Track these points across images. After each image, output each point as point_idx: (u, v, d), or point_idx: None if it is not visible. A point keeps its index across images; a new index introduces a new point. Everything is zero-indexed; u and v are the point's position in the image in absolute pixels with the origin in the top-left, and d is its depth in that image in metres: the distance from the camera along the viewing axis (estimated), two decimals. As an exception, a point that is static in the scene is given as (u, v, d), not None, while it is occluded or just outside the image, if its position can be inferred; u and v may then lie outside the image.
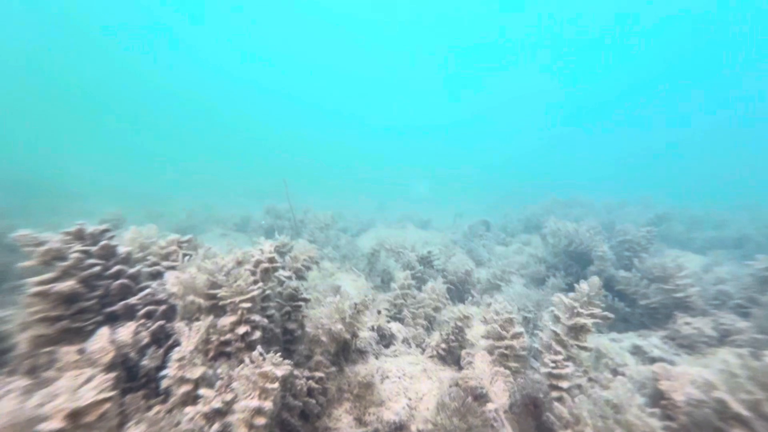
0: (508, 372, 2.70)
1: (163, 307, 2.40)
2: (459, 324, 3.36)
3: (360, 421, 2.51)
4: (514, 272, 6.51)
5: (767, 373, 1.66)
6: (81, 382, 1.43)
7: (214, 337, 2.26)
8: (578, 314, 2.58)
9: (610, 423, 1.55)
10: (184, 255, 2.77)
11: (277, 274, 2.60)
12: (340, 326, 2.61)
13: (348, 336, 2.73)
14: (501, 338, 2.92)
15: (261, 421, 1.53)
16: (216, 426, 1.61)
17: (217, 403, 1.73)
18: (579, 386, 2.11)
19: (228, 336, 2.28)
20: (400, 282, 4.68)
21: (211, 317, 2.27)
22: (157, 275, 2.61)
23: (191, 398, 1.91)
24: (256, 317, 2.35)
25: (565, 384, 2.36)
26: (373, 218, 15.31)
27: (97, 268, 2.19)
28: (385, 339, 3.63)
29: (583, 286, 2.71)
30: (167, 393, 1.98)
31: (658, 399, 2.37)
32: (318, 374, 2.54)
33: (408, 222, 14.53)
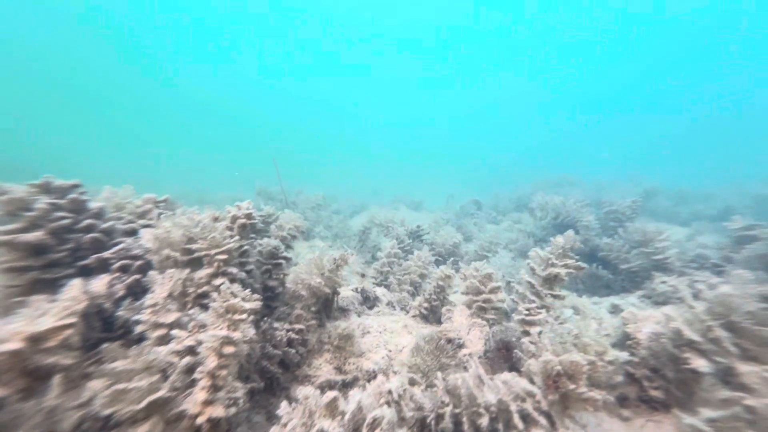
0: (484, 323, 2.77)
1: (138, 263, 2.40)
2: (441, 283, 3.42)
3: (340, 370, 2.58)
4: (502, 244, 6.60)
5: (719, 302, 1.73)
6: (41, 312, 1.44)
7: (191, 290, 2.27)
8: (552, 265, 2.64)
9: (568, 346, 1.62)
10: (160, 214, 2.75)
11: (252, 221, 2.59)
12: (318, 280, 2.64)
13: (328, 291, 2.76)
14: (479, 293, 2.98)
15: (230, 350, 1.56)
16: (186, 359, 1.64)
17: (189, 342, 1.75)
18: (547, 322, 2.18)
19: (205, 288, 2.29)
20: (387, 251, 4.73)
21: (187, 270, 2.27)
22: (132, 233, 2.59)
23: (165, 342, 1.93)
24: (233, 270, 2.36)
25: (536, 329, 2.43)
26: (367, 202, 15.28)
27: (66, 221, 2.16)
28: (369, 301, 3.69)
29: (559, 239, 2.75)
30: (142, 339, 2.01)
31: (625, 341, 2.46)
32: (298, 326, 2.59)
33: (401, 204, 14.53)
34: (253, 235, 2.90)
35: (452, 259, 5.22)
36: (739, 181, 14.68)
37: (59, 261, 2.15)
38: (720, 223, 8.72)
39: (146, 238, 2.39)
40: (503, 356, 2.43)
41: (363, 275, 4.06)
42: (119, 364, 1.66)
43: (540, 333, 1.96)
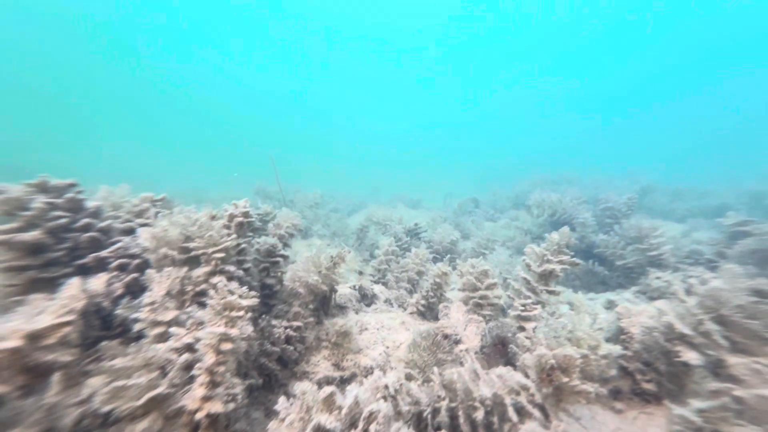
0: (480, 319, 2.80)
1: (136, 261, 2.41)
2: (438, 280, 3.44)
3: (338, 367, 2.60)
4: (499, 242, 6.63)
5: (710, 297, 1.76)
6: (40, 310, 1.45)
7: (189, 288, 2.28)
8: (548, 261, 2.67)
9: (562, 340, 1.65)
10: (157, 213, 2.75)
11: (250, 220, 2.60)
12: (316, 278, 2.66)
13: (325, 288, 2.78)
14: (476, 289, 3.01)
15: (228, 346, 1.57)
16: (185, 356, 1.66)
17: (187, 339, 1.77)
18: (542, 317, 2.21)
19: (203, 286, 2.31)
20: (385, 248, 4.74)
21: (185, 268, 2.29)
22: (129, 232, 2.59)
23: (164, 339, 1.95)
24: (231, 268, 2.37)
25: (531, 325, 2.46)
26: (365, 200, 15.29)
27: (63, 220, 2.16)
28: (367, 298, 3.71)
29: (554, 236, 2.78)
30: (141, 337, 2.02)
31: (619, 336, 2.50)
32: (296, 323, 2.61)
33: (399, 202, 14.55)
34: (250, 234, 2.91)
35: (449, 256, 5.26)
36: (738, 178, 14.78)
37: (57, 260, 2.15)
38: (715, 219, 8.82)
39: (144, 237, 2.40)
40: (499, 351, 2.46)
41: (361, 273, 4.09)
42: (118, 362, 1.68)
43: (535, 328, 1.99)
